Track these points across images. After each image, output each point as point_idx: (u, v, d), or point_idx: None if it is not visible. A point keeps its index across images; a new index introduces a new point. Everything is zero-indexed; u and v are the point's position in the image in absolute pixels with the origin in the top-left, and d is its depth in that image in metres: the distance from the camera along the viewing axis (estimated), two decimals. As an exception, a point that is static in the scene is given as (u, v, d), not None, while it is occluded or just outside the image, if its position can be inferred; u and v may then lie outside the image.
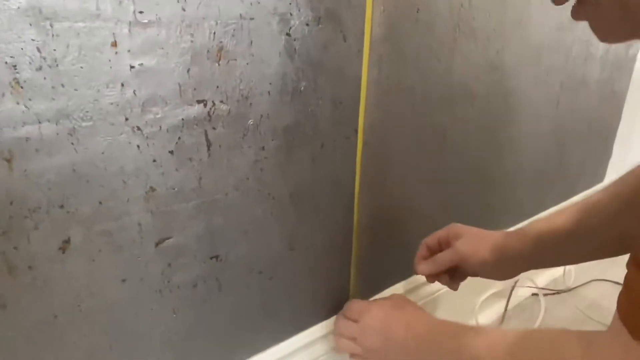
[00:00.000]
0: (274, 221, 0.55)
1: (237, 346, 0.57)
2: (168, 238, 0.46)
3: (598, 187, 1.16)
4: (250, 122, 0.48)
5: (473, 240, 0.63)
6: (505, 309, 0.92)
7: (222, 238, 0.51)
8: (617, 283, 1.02)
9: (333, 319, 0.66)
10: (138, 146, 0.42)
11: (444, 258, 0.63)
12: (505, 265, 0.62)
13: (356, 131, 0.58)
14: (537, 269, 0.82)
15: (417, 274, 0.66)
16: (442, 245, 0.66)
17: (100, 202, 0.41)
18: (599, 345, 0.38)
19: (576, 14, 0.34)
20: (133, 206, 0.43)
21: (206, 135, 0.46)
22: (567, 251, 0.61)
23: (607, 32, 0.33)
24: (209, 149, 0.46)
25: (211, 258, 0.51)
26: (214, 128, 0.46)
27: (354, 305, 0.63)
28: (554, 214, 0.64)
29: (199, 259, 0.50)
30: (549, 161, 0.99)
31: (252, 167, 0.50)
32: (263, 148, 0.50)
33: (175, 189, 0.45)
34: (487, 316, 0.91)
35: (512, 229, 0.93)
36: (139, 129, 0.41)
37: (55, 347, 0.42)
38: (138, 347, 0.48)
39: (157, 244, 0.46)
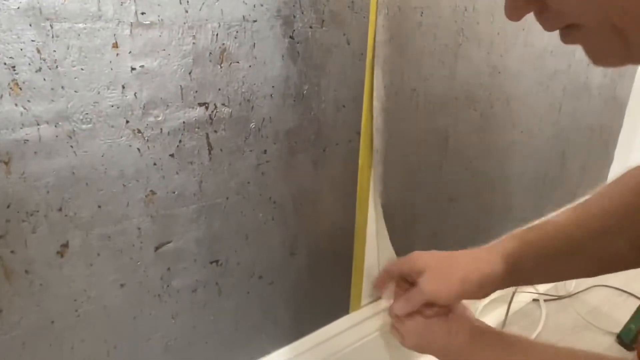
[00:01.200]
0: (274, 226, 0.54)
1: (237, 352, 0.56)
2: (168, 242, 0.46)
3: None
4: (252, 125, 0.48)
5: (437, 277, 0.58)
6: (506, 315, 0.91)
7: (223, 242, 0.50)
8: (618, 289, 1.01)
9: (333, 324, 0.66)
10: (138, 149, 0.41)
11: (416, 298, 0.59)
12: (477, 292, 0.58)
13: (359, 134, 0.58)
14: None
15: (390, 313, 0.62)
16: (408, 278, 0.62)
17: (99, 206, 0.40)
18: None
19: (565, 39, 0.31)
20: (133, 210, 0.42)
21: (207, 138, 0.45)
22: (559, 266, 0.56)
23: (601, 57, 0.30)
24: (210, 153, 0.46)
25: (211, 263, 0.50)
26: (215, 131, 0.45)
27: (398, 306, 0.60)
28: (536, 226, 0.58)
29: (199, 264, 0.49)
30: (551, 165, 0.98)
31: (254, 171, 0.50)
32: (265, 152, 0.50)
33: (176, 193, 0.45)
34: (487, 322, 0.90)
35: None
36: (139, 131, 0.41)
37: (52, 353, 0.42)
38: (136, 352, 0.47)
39: (156, 248, 0.45)
